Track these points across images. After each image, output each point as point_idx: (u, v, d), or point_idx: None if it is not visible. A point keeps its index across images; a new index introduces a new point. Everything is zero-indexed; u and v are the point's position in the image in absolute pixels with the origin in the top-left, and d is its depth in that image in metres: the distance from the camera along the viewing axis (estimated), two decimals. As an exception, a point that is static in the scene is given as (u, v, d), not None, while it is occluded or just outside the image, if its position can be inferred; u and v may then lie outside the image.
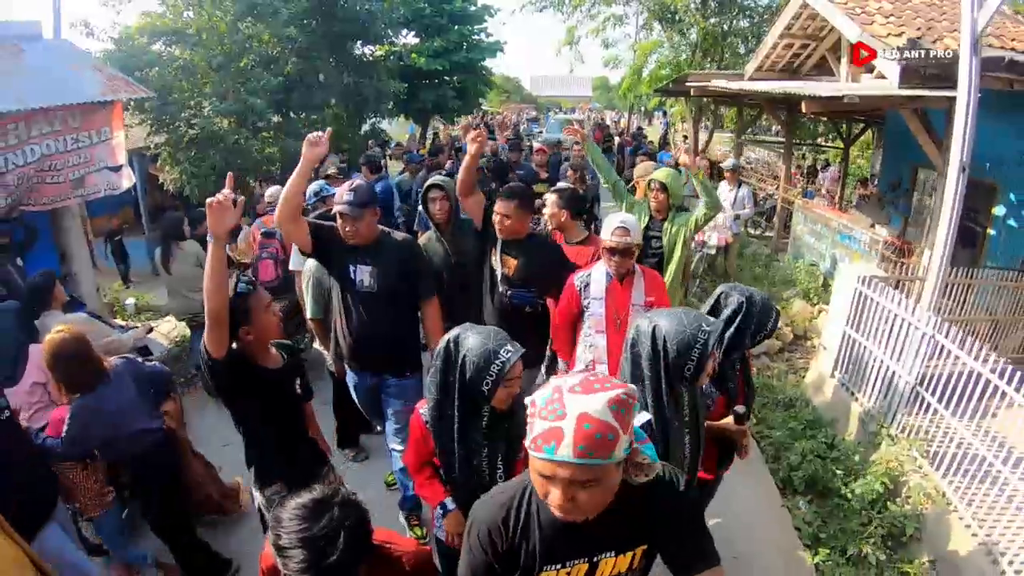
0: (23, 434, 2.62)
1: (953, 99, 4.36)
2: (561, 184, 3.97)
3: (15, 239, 5.33)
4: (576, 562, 1.44)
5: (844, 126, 10.85)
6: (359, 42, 11.81)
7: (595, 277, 3.09)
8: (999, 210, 6.87)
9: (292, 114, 10.30)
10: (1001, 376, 3.23)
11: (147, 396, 2.99)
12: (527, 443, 1.23)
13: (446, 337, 2.01)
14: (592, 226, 6.24)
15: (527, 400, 1.29)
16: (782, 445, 4.35)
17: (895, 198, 8.60)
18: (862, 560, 3.39)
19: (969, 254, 7.11)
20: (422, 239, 3.86)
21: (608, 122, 26.13)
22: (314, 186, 4.88)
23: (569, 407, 1.17)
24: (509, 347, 1.91)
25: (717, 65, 14.32)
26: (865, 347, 4.38)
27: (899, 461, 3.77)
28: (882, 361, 4.18)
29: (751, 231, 10.61)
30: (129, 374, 2.92)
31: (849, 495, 3.74)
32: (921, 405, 3.90)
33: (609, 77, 24.65)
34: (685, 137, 17.02)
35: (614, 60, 17.21)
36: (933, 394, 3.69)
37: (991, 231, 7.03)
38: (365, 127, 13.72)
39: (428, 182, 3.76)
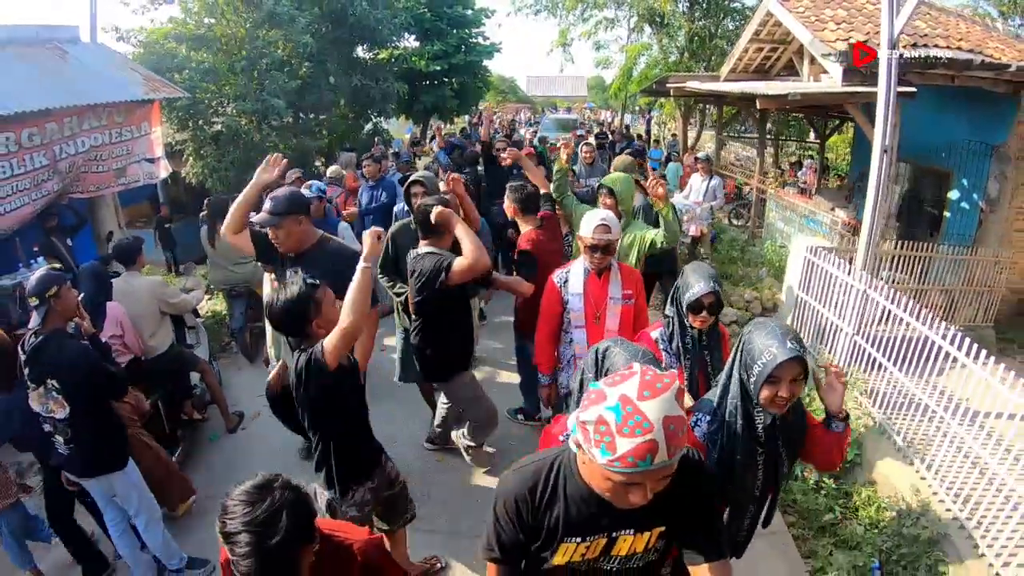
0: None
1: (899, 95, 5.08)
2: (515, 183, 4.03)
3: (66, 223, 5.99)
4: (596, 537, 1.48)
5: (820, 122, 11.59)
6: (364, 46, 12.57)
7: (574, 273, 3.17)
8: (953, 194, 7.55)
9: (302, 115, 11.00)
10: (930, 328, 3.85)
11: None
12: (603, 461, 1.23)
13: (595, 347, 1.97)
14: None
15: (580, 420, 1.29)
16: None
17: (864, 186, 9.32)
18: (808, 484, 3.95)
19: (930, 236, 7.81)
20: (394, 226, 3.97)
21: (603, 120, 26.79)
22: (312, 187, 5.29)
23: (652, 416, 1.19)
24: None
25: (705, 66, 15.03)
26: (814, 307, 5.08)
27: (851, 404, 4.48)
28: (827, 317, 4.89)
29: (735, 221, 11.34)
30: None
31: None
32: (866, 359, 4.59)
33: (604, 77, 25.24)
34: (672, 143, 17.65)
35: (605, 62, 17.95)
36: (878, 350, 4.37)
37: (947, 213, 7.74)
38: (368, 127, 14.46)
39: (411, 177, 4.12)
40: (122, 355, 3.62)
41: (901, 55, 4.52)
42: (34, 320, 2.86)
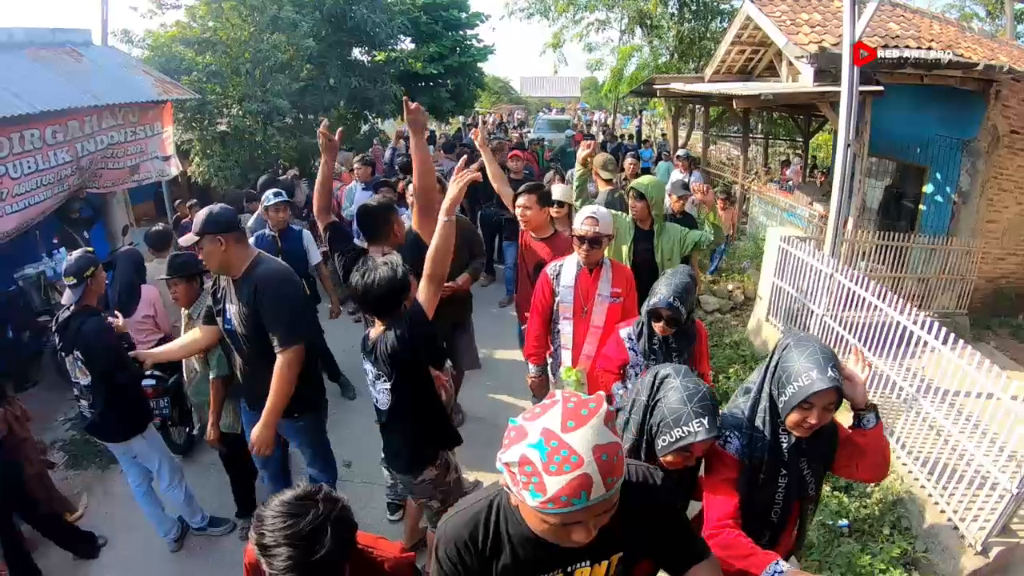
0: None
1: (869, 93, 5.46)
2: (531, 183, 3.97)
3: (83, 215, 6.33)
4: (551, 574, 1.41)
5: (804, 122, 12.00)
6: (362, 48, 12.94)
7: (566, 266, 3.26)
8: (928, 188, 7.96)
9: (303, 115, 11.37)
10: (891, 307, 4.20)
11: None
12: (534, 504, 1.12)
13: (653, 370, 1.92)
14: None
15: (502, 461, 1.17)
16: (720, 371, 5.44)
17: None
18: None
19: (910, 229, 8.20)
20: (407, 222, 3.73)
21: (595, 120, 27.17)
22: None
23: (580, 448, 1.09)
24: (702, 422, 1.73)
25: (695, 67, 15.40)
26: (788, 291, 5.46)
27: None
28: (799, 300, 5.26)
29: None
30: None
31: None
32: (835, 339, 4.96)
33: (597, 78, 25.61)
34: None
35: (596, 63, 18.36)
36: (849, 332, 4.74)
37: (922, 207, 8.14)
38: (365, 128, 14.80)
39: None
40: (154, 334, 3.97)
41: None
42: (68, 297, 3.17)
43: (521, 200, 3.74)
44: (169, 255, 4.46)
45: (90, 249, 3.32)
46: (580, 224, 3.08)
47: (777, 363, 1.81)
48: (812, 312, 5.08)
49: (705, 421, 1.72)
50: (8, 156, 5.08)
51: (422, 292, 2.45)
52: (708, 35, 15.77)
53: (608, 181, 5.26)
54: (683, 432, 1.73)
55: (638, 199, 3.88)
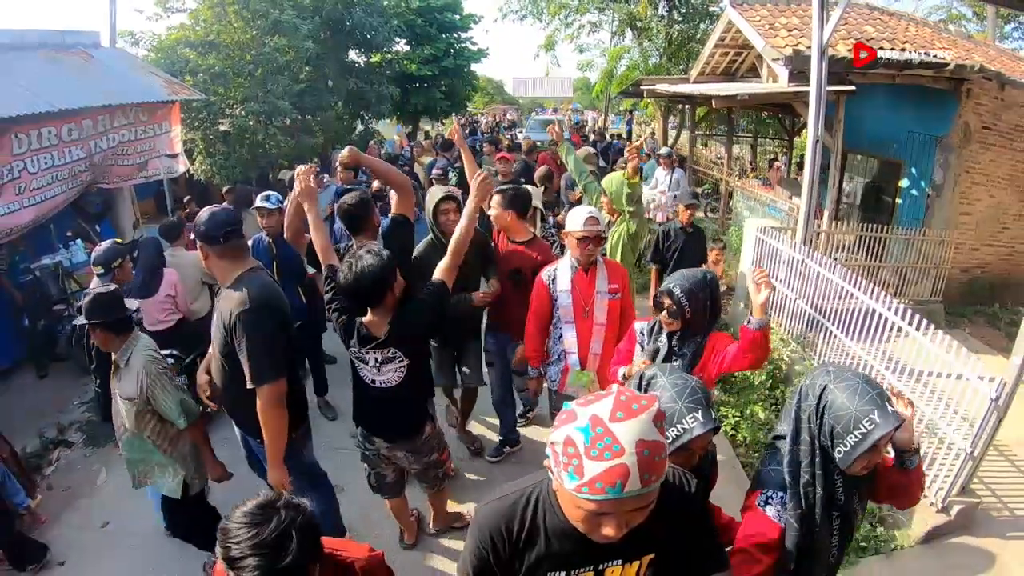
0: None
1: (841, 92, 5.80)
2: (503, 186, 3.91)
3: (96, 210, 6.62)
4: (582, 570, 1.42)
5: (788, 121, 12.36)
6: (359, 50, 13.28)
7: (561, 270, 3.24)
8: (904, 182, 8.33)
9: (300, 116, 11.69)
10: (856, 287, 4.56)
11: None
12: (571, 487, 1.15)
13: (639, 374, 1.88)
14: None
15: (549, 440, 1.21)
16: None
17: (824, 177, 10.10)
18: (758, 420, 4.69)
19: (886, 222, 8.56)
20: (420, 246, 3.67)
21: (587, 120, 27.50)
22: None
23: (623, 439, 1.11)
24: (696, 416, 1.68)
25: (684, 68, 15.73)
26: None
27: (785, 354, 5.21)
28: (775, 287, 5.61)
29: (711, 214, 12.09)
30: None
31: (754, 381, 5.09)
32: (806, 321, 5.31)
33: (589, 78, 26.00)
34: (652, 134, 18.37)
35: (587, 64, 18.75)
36: (820, 314, 5.08)
37: (899, 200, 8.51)
38: (360, 127, 15.12)
39: (440, 195, 3.65)
40: (173, 313, 4.28)
41: (832, 57, 5.26)
42: (96, 283, 3.40)
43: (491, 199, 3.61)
44: (183, 242, 4.81)
45: (119, 240, 3.51)
46: (583, 224, 3.05)
47: (822, 409, 1.64)
48: (785, 296, 5.42)
49: (699, 415, 1.67)
50: (27, 152, 5.38)
51: (442, 271, 2.73)
52: (696, 37, 16.11)
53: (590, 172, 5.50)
54: (678, 430, 1.66)
55: (603, 195, 4.28)
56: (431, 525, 3.60)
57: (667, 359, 2.55)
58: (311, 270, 4.50)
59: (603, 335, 3.26)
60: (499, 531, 1.41)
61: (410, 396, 2.81)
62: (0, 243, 5.40)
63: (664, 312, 2.52)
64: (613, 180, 4.31)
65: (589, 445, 1.12)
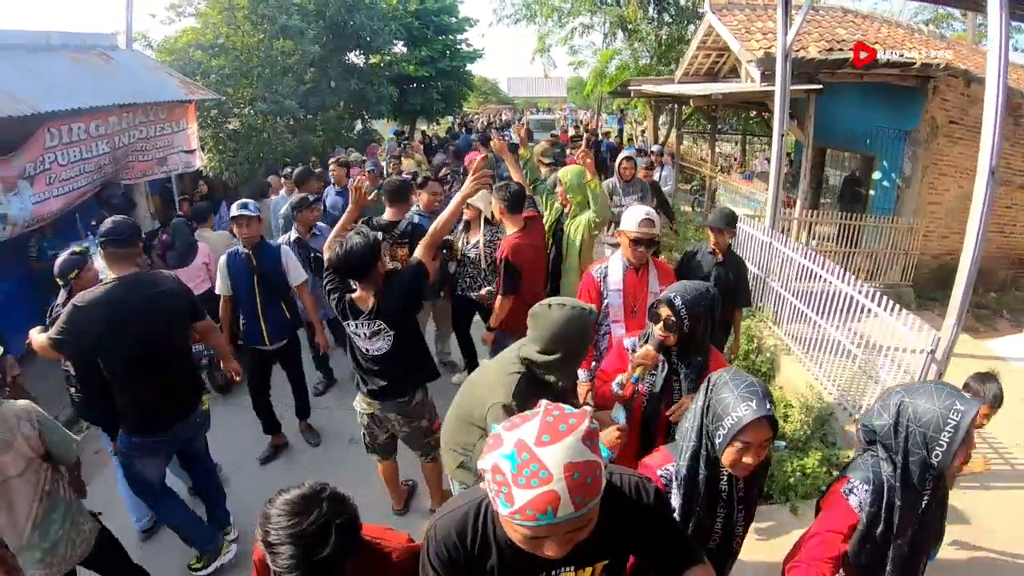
0: None
1: (810, 91, 6.28)
2: (499, 183, 4.17)
3: (118, 202, 7.05)
4: None
5: (771, 118, 12.91)
6: (358, 52, 13.80)
7: (612, 268, 3.18)
8: (876, 175, 8.88)
9: (304, 116, 12.20)
10: (818, 265, 5.05)
11: None
12: (504, 514, 1.15)
13: (711, 376, 1.82)
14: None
15: (480, 466, 1.20)
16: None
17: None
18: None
19: (861, 212, 9.07)
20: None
21: (580, 120, 28.00)
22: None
23: (550, 464, 1.09)
24: (749, 404, 1.65)
25: (674, 68, 16.26)
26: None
27: (758, 328, 5.72)
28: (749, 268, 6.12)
29: (698, 208, 12.61)
30: None
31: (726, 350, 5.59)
32: (775, 298, 5.80)
33: (582, 75, 26.54)
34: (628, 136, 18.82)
35: (579, 64, 19.27)
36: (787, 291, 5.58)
37: (872, 192, 9.04)
38: (359, 126, 15.63)
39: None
40: (205, 283, 4.83)
41: (802, 58, 5.76)
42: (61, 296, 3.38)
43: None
44: (210, 225, 5.35)
45: (77, 250, 3.40)
46: (637, 226, 3.02)
47: (907, 423, 1.66)
48: (757, 277, 5.93)
49: (752, 403, 1.64)
50: (58, 145, 5.83)
51: (421, 252, 3.05)
52: (686, 39, 16.59)
53: (548, 166, 5.80)
54: (733, 419, 1.65)
55: (559, 184, 4.36)
56: (430, 503, 3.80)
57: (667, 379, 2.40)
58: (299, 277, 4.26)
59: None
60: (452, 543, 1.41)
61: (398, 362, 3.14)
62: (32, 229, 5.84)
63: (660, 324, 2.32)
64: (570, 171, 4.36)
65: (516, 473, 1.10)
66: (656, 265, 3.25)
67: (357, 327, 3.06)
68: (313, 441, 4.62)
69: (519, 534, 1.18)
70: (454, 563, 1.41)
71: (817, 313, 5.05)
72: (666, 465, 1.91)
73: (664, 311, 2.29)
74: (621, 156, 6.04)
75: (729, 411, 1.66)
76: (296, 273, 4.24)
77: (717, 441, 1.71)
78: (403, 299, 3.04)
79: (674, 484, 1.86)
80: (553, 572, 1.43)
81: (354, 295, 3.03)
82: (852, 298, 4.66)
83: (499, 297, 3.98)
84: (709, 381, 1.79)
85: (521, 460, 1.11)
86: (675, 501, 1.85)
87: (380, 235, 3.18)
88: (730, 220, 3.94)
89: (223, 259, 4.07)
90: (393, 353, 3.10)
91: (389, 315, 3.01)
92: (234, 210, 4.04)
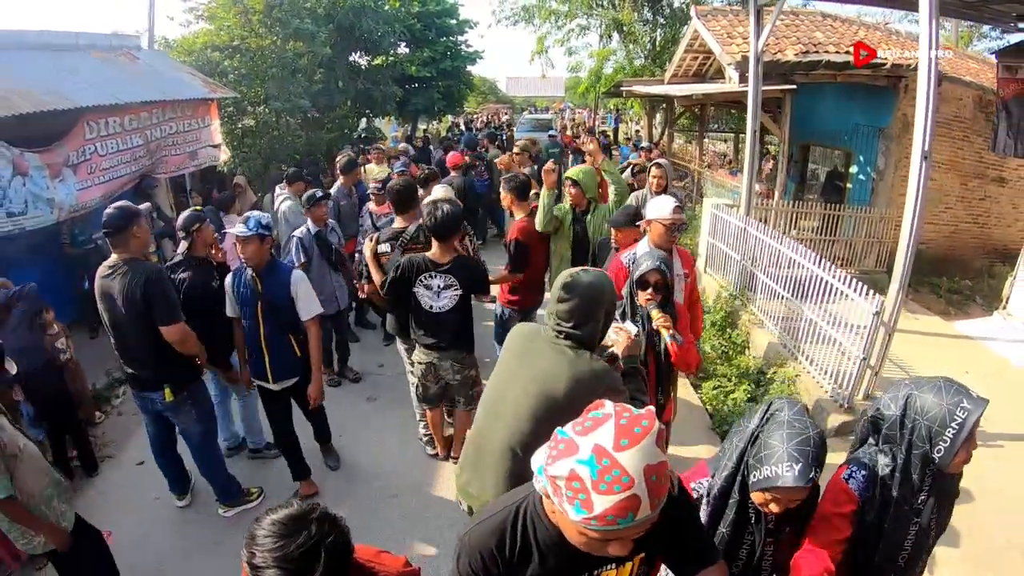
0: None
1: (785, 91, 6.85)
2: (508, 175, 4.78)
3: (152, 194, 7.61)
4: None
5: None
6: (362, 52, 14.41)
7: (640, 254, 3.22)
8: (853, 168, 9.49)
9: (314, 114, 12.79)
10: (787, 247, 5.60)
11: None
12: (577, 519, 1.13)
13: (768, 401, 1.82)
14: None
15: (548, 474, 1.17)
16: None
17: (791, 168, 11.25)
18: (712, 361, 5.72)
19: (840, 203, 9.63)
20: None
21: (577, 120, 28.50)
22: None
23: (631, 468, 1.08)
24: (793, 466, 1.62)
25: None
26: (717, 246, 6.90)
27: (726, 299, 6.33)
28: (725, 251, 6.70)
29: (690, 203, 13.19)
30: None
31: (707, 325, 6.12)
32: (749, 278, 6.38)
33: (580, 77, 27.10)
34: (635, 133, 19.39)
35: (576, 66, 19.84)
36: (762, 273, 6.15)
37: (849, 185, 9.64)
38: (363, 124, 16.23)
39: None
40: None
41: (777, 60, 6.34)
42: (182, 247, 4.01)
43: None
44: (235, 212, 5.93)
45: (198, 208, 3.90)
46: (671, 212, 3.30)
47: (914, 417, 1.70)
48: (732, 258, 6.53)
49: (797, 468, 1.58)
50: (96, 137, 6.37)
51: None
52: (678, 41, 17.14)
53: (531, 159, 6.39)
54: (771, 472, 1.62)
55: (573, 186, 4.48)
56: (452, 454, 4.30)
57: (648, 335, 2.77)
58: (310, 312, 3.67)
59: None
60: (491, 552, 1.39)
61: (460, 319, 3.73)
62: (74, 216, 6.37)
63: (650, 289, 2.69)
64: (581, 172, 4.52)
65: (597, 479, 1.09)
66: (676, 250, 3.52)
67: (431, 279, 3.61)
68: (332, 464, 4.34)
69: (586, 537, 1.18)
70: (488, 572, 1.41)
71: (782, 287, 5.65)
72: (700, 480, 1.92)
73: (655, 277, 2.69)
74: (650, 165, 5.78)
75: (771, 462, 1.63)
76: (308, 305, 3.65)
77: (751, 480, 1.70)
78: (475, 269, 3.73)
79: (704, 500, 1.87)
80: (596, 571, 1.44)
81: (431, 253, 3.63)
82: (809, 270, 5.22)
83: (507, 271, 4.52)
84: (770, 407, 1.77)
85: (602, 466, 1.10)
86: (702, 516, 1.85)
87: (389, 245, 3.94)
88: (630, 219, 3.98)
89: (229, 278, 3.72)
90: (455, 311, 3.68)
91: (462, 273, 3.62)
92: (234, 227, 3.56)
